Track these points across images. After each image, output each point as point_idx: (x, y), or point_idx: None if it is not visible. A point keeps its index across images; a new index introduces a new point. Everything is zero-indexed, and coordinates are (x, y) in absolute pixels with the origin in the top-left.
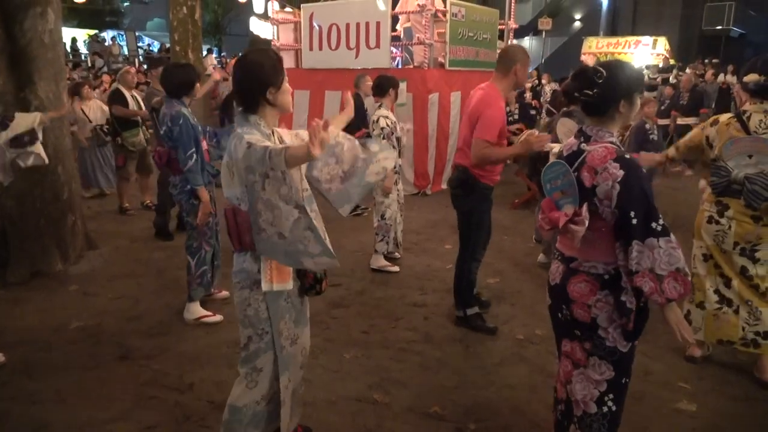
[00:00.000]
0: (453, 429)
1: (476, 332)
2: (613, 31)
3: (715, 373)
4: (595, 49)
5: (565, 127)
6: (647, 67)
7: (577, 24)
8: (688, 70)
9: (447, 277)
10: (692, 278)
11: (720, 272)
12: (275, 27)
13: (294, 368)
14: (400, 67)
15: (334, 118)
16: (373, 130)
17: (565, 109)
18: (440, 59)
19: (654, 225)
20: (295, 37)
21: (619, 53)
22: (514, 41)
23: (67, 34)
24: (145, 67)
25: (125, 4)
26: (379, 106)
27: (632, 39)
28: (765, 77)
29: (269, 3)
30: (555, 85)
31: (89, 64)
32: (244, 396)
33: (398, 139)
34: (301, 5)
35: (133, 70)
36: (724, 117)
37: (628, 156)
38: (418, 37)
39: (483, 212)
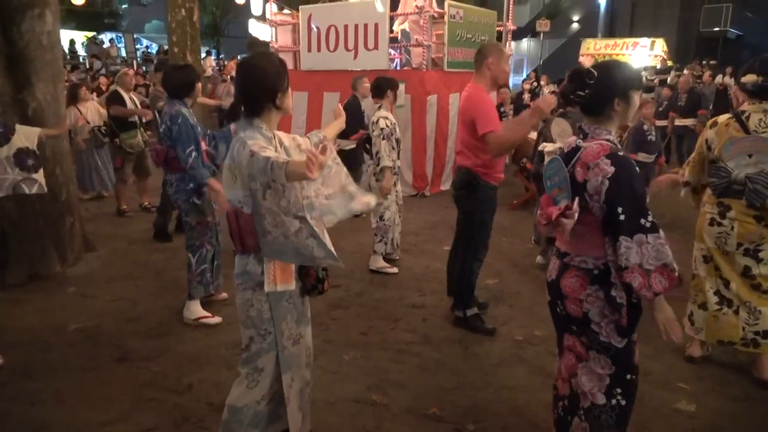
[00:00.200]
0: (452, 430)
1: (475, 333)
2: (611, 32)
3: (715, 373)
4: (593, 50)
5: (559, 127)
6: (645, 69)
7: (575, 26)
8: (685, 71)
9: (445, 278)
10: (694, 279)
11: (719, 274)
12: (273, 29)
13: (298, 368)
14: (398, 68)
15: (327, 126)
16: (373, 130)
17: (561, 110)
18: (434, 57)
19: (643, 221)
20: (294, 39)
21: (617, 55)
22: (513, 43)
23: (65, 36)
24: (143, 69)
25: (123, 6)
26: (379, 107)
27: (630, 41)
28: (763, 78)
29: (267, 5)
30: (554, 87)
31: (87, 66)
32: (244, 396)
33: (397, 141)
34: (300, 7)
35: (131, 71)
36: (722, 118)
37: (621, 153)
38: (416, 39)
39: (485, 212)
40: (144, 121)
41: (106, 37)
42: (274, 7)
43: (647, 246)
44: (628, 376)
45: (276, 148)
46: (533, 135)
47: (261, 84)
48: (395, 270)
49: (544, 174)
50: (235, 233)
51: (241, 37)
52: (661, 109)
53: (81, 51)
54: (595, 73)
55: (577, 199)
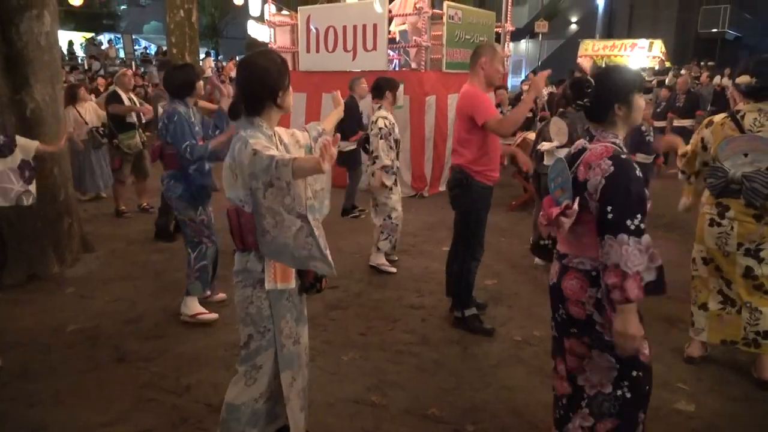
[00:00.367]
0: (450, 430)
1: (474, 334)
2: (609, 33)
3: (714, 373)
4: (592, 51)
5: (556, 126)
6: (643, 70)
7: (574, 27)
8: (683, 72)
9: (444, 279)
10: (693, 280)
11: (721, 274)
12: (272, 30)
13: (300, 368)
14: (397, 69)
15: (326, 117)
16: (371, 129)
17: (561, 110)
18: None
19: (629, 222)
20: (292, 40)
21: (616, 56)
22: (511, 44)
23: (64, 37)
24: (142, 70)
25: (122, 7)
26: (379, 108)
27: (628, 42)
28: (756, 79)
29: (266, 6)
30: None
31: (86, 67)
32: (242, 394)
33: (396, 141)
34: (298, 8)
35: (130, 72)
36: (718, 117)
37: (624, 156)
38: (414, 40)
39: (480, 211)
40: (143, 121)
41: (104, 38)
42: (273, 8)
43: (627, 248)
44: (634, 373)
45: (276, 146)
46: (532, 135)
47: (262, 82)
48: (394, 270)
49: (548, 175)
50: (235, 231)
51: (240, 38)
52: (659, 110)
53: (79, 52)
54: (593, 81)
55: (577, 199)
